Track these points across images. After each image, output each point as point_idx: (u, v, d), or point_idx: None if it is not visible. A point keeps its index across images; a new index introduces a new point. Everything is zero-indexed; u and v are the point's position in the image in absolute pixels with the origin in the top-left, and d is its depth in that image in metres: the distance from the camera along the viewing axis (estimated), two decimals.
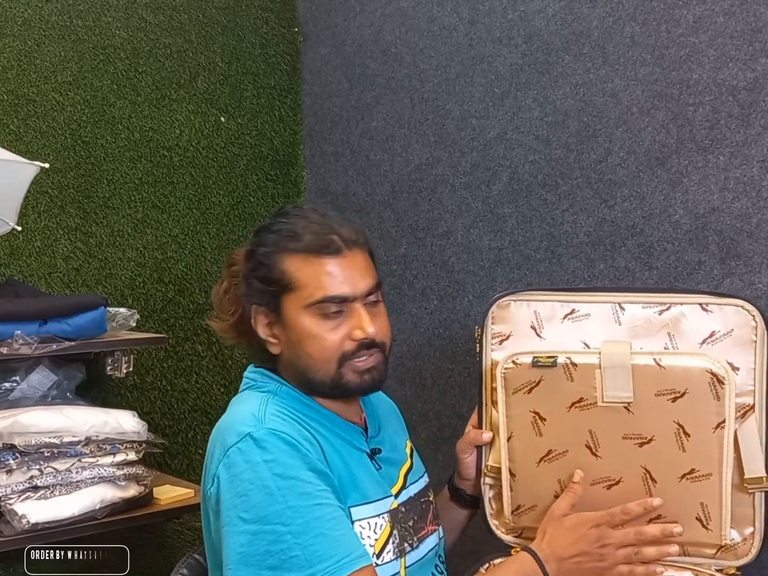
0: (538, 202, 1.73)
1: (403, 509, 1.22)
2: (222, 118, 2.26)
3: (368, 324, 1.15)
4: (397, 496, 1.22)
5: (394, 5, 2.08)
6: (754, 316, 1.15)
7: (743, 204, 1.41)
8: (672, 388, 1.14)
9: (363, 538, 1.12)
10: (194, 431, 2.16)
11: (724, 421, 1.13)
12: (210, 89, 2.25)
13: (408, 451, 1.35)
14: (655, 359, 1.15)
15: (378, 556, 1.14)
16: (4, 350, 1.55)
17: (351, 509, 1.13)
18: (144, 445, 1.70)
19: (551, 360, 1.20)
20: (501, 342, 1.31)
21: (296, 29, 2.43)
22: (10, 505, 1.53)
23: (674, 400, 1.14)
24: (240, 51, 2.31)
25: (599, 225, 1.62)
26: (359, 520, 1.13)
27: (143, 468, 1.71)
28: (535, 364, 1.21)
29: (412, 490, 1.27)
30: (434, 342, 1.95)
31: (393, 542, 1.17)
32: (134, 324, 1.80)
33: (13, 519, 1.53)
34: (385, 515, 1.17)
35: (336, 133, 2.29)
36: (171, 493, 1.78)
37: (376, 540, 1.14)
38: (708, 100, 1.45)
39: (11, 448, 1.55)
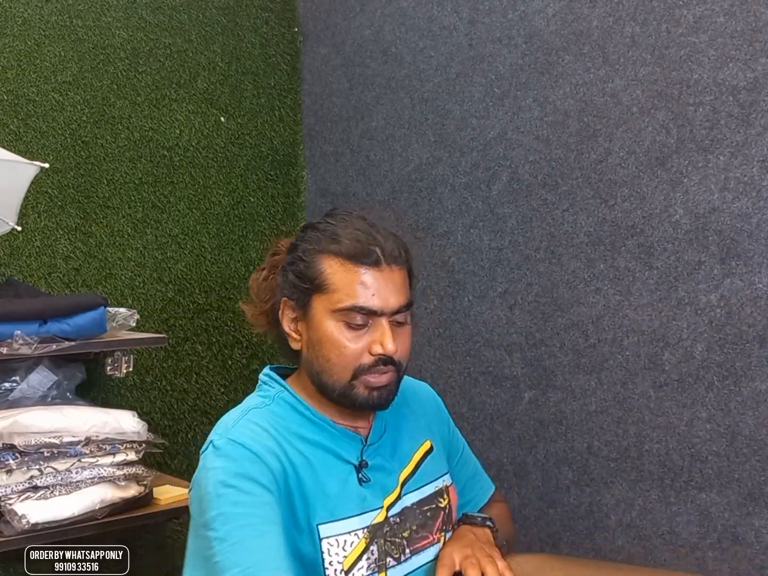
0: (538, 202, 1.73)
1: (397, 520, 1.20)
2: (222, 118, 2.26)
3: (389, 341, 1.14)
4: (390, 507, 1.20)
5: (394, 5, 2.08)
6: None
7: (743, 204, 1.41)
8: None
9: (330, 555, 1.12)
10: (194, 431, 2.16)
11: None
12: (210, 89, 2.25)
13: (419, 453, 1.30)
14: None
15: (347, 573, 1.13)
16: (4, 350, 1.54)
17: (319, 527, 1.12)
18: (144, 445, 1.69)
19: None
20: None
21: (296, 29, 2.43)
22: (10, 505, 1.53)
23: None
24: (240, 51, 2.31)
25: (599, 225, 1.62)
26: (327, 537, 1.12)
27: (143, 468, 1.71)
28: None
29: (411, 498, 1.24)
30: (434, 342, 1.95)
31: (368, 558, 1.15)
32: (134, 324, 1.80)
33: (13, 519, 1.52)
34: (359, 532, 1.15)
35: (336, 133, 2.29)
36: (171, 493, 1.78)
37: (345, 557, 1.13)
38: (708, 100, 1.45)
39: (11, 448, 1.54)
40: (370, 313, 1.15)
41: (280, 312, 1.22)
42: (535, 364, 1.74)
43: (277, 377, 1.25)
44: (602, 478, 1.62)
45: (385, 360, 1.15)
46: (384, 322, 1.15)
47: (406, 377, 1.34)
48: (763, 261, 1.39)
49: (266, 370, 1.28)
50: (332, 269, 1.16)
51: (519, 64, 1.77)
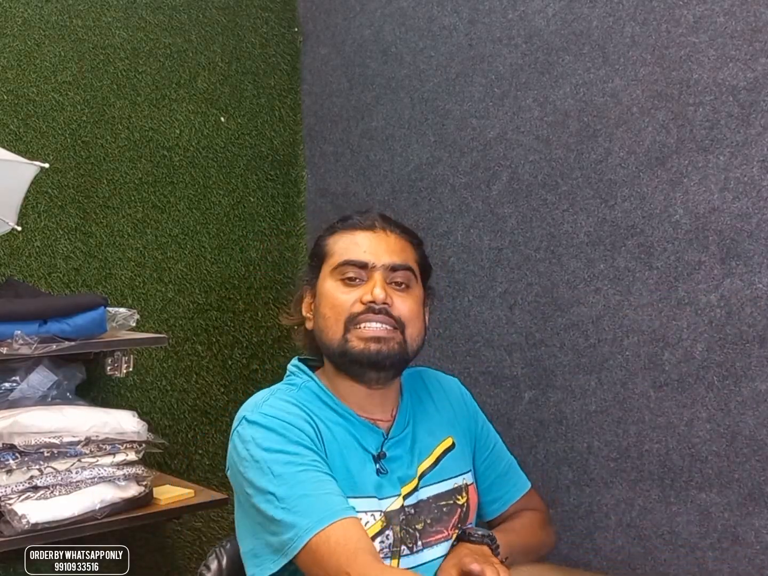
0: (538, 202, 1.73)
1: (412, 511, 1.21)
2: (222, 118, 2.26)
3: (379, 289, 1.19)
4: (406, 497, 1.21)
5: (394, 5, 2.08)
6: None
7: (743, 204, 1.41)
8: None
9: None
10: (194, 431, 2.16)
11: None
12: (210, 89, 2.25)
13: (439, 449, 1.29)
14: None
15: None
16: (4, 350, 1.54)
17: None
18: (144, 445, 1.69)
19: None
20: None
21: (296, 29, 2.43)
22: (10, 505, 1.53)
23: None
24: (240, 51, 2.31)
25: (599, 225, 1.62)
26: None
27: (143, 468, 1.71)
28: None
29: (428, 492, 1.24)
30: (434, 342, 1.95)
31: (383, 541, 1.16)
32: (134, 324, 1.80)
33: (13, 519, 1.52)
34: (375, 513, 1.16)
35: (336, 133, 2.29)
36: (171, 493, 1.78)
37: None
38: (708, 100, 1.45)
39: (11, 448, 1.55)
40: (362, 267, 1.22)
41: (302, 302, 1.30)
42: (535, 364, 1.74)
43: (305, 368, 1.29)
44: (602, 478, 1.62)
45: (377, 309, 1.19)
46: (377, 275, 1.21)
47: (436, 371, 1.41)
48: (763, 261, 1.39)
49: (294, 360, 1.32)
50: (334, 240, 1.27)
51: (519, 64, 1.77)
